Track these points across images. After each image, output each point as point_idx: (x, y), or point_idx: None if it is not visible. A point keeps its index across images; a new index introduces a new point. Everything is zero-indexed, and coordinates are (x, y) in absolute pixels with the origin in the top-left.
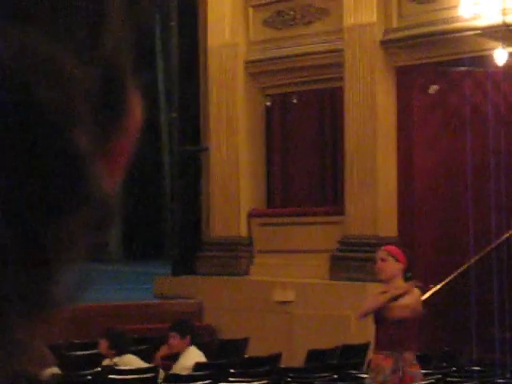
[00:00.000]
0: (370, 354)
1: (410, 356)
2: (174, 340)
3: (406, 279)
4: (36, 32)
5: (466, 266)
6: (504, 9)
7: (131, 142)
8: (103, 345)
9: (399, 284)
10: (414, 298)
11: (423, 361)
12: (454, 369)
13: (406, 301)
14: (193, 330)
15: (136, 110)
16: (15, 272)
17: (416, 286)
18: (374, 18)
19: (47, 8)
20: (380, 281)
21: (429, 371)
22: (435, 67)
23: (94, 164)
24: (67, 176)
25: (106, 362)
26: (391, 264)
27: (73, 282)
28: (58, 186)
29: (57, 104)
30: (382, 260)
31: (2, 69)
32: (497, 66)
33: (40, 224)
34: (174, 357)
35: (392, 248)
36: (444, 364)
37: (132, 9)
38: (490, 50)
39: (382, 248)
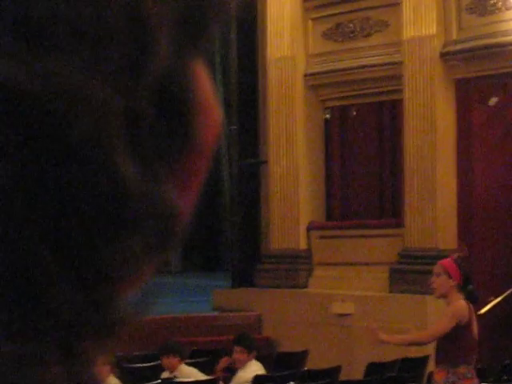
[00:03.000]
0: (430, 368)
1: (464, 369)
2: (241, 355)
3: (468, 292)
4: (64, 59)
5: None
6: None
7: (204, 161)
8: (168, 359)
9: (452, 301)
10: (449, 310)
11: (483, 374)
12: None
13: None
14: (257, 344)
15: (207, 127)
16: (76, 295)
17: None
18: (434, 30)
19: (76, 34)
20: (436, 296)
21: None
22: (495, 79)
23: (150, 184)
24: (113, 201)
25: (165, 375)
26: (444, 281)
27: (139, 297)
28: (104, 211)
29: (87, 134)
30: (437, 275)
31: (26, 98)
32: None
33: (93, 247)
34: (234, 369)
35: (447, 263)
36: (504, 377)
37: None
38: None
39: (438, 263)
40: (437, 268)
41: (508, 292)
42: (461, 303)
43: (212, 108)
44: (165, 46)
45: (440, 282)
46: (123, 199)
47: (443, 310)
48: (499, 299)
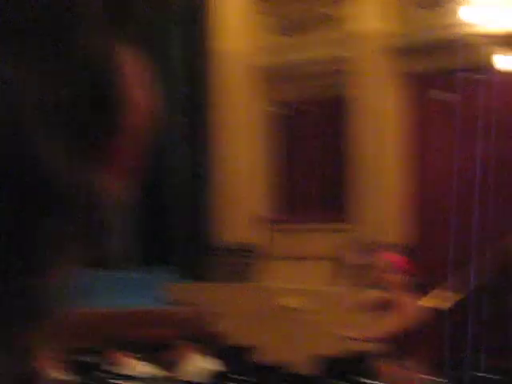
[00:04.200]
0: (378, 362)
1: (414, 362)
2: (185, 349)
3: (414, 285)
4: None
5: (480, 272)
6: (510, 15)
7: (131, 146)
8: (113, 353)
9: (398, 293)
10: (413, 307)
11: (436, 368)
12: (467, 376)
13: (405, 311)
14: (204, 338)
15: (136, 111)
16: (8, 276)
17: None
18: (381, 25)
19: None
20: (381, 289)
21: (441, 379)
22: (445, 74)
23: (73, 166)
24: (37, 189)
25: (112, 369)
26: (391, 275)
27: (73, 286)
28: (31, 193)
29: (6, 121)
30: (384, 269)
31: None
32: (508, 73)
33: (24, 228)
34: (180, 363)
35: (394, 257)
36: (456, 371)
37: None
38: (501, 56)
39: (385, 257)
40: (383, 262)
41: (462, 286)
42: (412, 299)
43: (139, 93)
44: (90, 31)
45: (387, 275)
46: (48, 187)
47: (392, 304)
48: (453, 293)
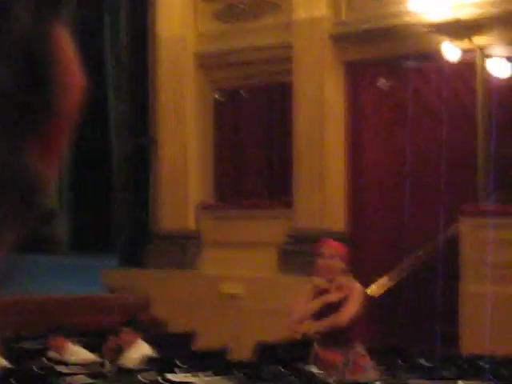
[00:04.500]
0: (315, 348)
1: (359, 348)
2: (128, 336)
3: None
4: None
5: (414, 259)
6: (454, 4)
7: (66, 126)
8: (55, 340)
9: (340, 281)
10: (356, 293)
11: (370, 354)
12: (401, 362)
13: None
14: (145, 325)
15: (70, 91)
16: None
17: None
18: (324, 12)
19: None
20: (324, 277)
21: (376, 365)
22: (384, 62)
23: (10, 147)
24: None
25: (51, 355)
26: (336, 263)
27: (4, 271)
28: None
29: None
30: (330, 257)
31: None
32: (446, 62)
33: None
34: (121, 350)
35: (339, 245)
36: (391, 357)
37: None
38: (439, 45)
39: (329, 244)
40: (329, 250)
41: (396, 272)
42: (359, 285)
43: (74, 73)
44: (23, 11)
45: (333, 263)
46: None
47: (339, 291)
48: (387, 280)
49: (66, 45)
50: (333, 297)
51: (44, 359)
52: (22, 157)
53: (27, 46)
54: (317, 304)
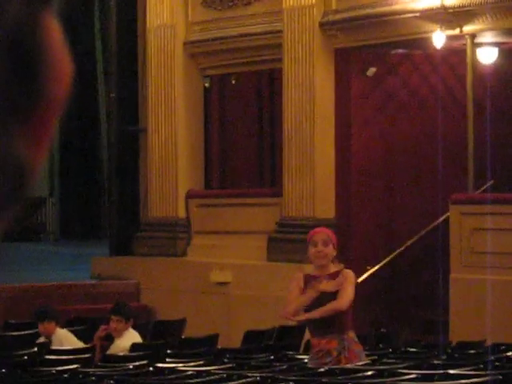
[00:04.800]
0: (308, 337)
1: (352, 334)
2: (118, 324)
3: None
4: None
5: (402, 247)
6: None
7: (54, 113)
8: (42, 325)
9: (331, 268)
10: (350, 279)
11: (360, 342)
12: (390, 350)
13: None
14: (134, 313)
15: (59, 79)
16: None
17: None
18: (314, 0)
19: None
20: (317, 265)
21: (365, 352)
22: (374, 49)
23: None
24: None
25: (41, 340)
26: (331, 250)
27: None
28: None
29: None
30: (325, 244)
31: None
32: (435, 49)
33: None
34: (111, 337)
35: (330, 232)
36: (380, 345)
37: None
38: (428, 32)
39: (322, 232)
40: (324, 236)
41: (385, 261)
42: (351, 271)
43: (63, 60)
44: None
45: (328, 251)
46: None
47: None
48: (377, 268)
49: (55, 33)
50: (328, 285)
51: (34, 348)
52: (9, 143)
53: (17, 34)
54: (312, 294)
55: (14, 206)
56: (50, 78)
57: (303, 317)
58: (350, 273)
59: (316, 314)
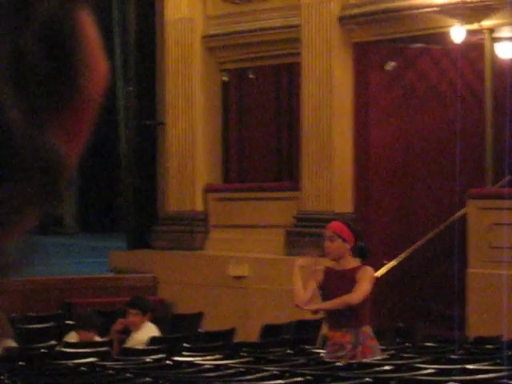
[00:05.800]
0: (324, 330)
1: (368, 329)
2: (136, 317)
3: (360, 249)
4: None
5: (421, 242)
6: None
7: (90, 109)
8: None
9: (350, 263)
10: (366, 273)
11: (377, 336)
12: (408, 345)
13: (363, 278)
14: (152, 306)
15: (95, 76)
16: None
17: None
18: None
19: None
20: (332, 259)
21: (383, 347)
22: (392, 44)
23: (32, 131)
24: None
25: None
26: (340, 244)
27: (18, 253)
28: None
29: None
30: (331, 240)
31: None
32: (454, 44)
33: None
34: (129, 331)
35: (338, 226)
36: (398, 340)
37: None
38: (447, 27)
39: (330, 227)
40: (329, 232)
41: (403, 255)
42: (369, 266)
43: (98, 57)
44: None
45: (335, 246)
46: (8, 144)
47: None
48: (394, 262)
49: (91, 30)
50: (345, 280)
51: (52, 341)
52: (46, 135)
53: (55, 28)
54: (325, 286)
55: (48, 198)
56: (86, 73)
57: (313, 306)
58: (368, 269)
59: (327, 305)
